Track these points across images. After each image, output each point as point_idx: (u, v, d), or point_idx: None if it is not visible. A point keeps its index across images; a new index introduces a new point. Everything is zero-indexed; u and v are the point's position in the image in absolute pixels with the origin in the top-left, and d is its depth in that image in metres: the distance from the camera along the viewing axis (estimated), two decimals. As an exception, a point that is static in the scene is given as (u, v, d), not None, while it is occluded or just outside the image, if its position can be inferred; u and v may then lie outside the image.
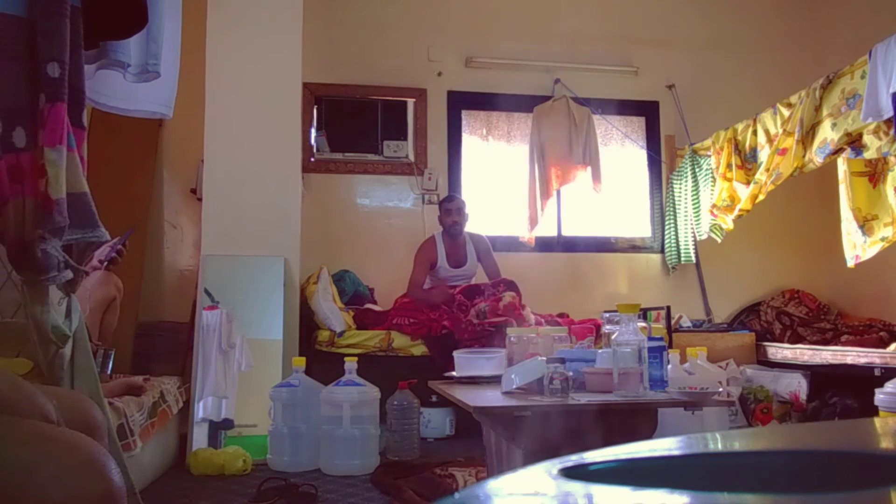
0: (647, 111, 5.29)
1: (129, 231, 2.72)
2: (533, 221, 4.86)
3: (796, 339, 4.68)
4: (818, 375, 4.07)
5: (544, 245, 4.97)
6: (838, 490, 0.56)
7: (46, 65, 1.41)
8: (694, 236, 4.91)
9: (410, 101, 4.97)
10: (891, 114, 3.12)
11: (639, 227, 5.28)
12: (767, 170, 3.97)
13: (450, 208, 4.26)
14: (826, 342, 4.46)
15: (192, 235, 4.38)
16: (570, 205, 5.15)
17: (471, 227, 4.41)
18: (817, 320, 4.88)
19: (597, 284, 5.00)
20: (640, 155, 5.29)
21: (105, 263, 2.73)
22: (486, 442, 2.53)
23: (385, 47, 4.92)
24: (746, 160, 4.28)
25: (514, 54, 5.05)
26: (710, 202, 4.60)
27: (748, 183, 4.20)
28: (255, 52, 3.88)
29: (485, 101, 5.02)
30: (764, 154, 4.06)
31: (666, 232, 5.11)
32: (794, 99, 3.81)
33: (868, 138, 3.40)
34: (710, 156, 4.69)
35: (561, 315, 4.36)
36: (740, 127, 4.33)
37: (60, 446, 0.95)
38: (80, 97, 1.52)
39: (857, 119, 3.34)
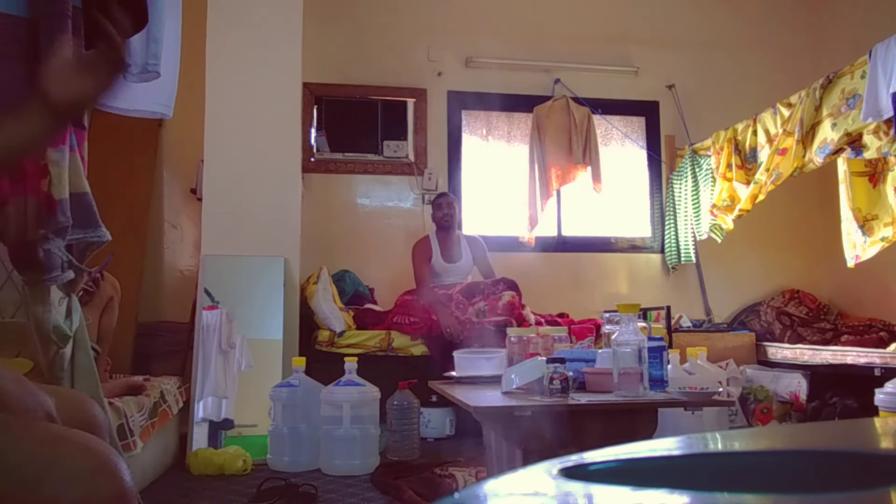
0: (647, 111, 5.29)
1: (108, 259, 2.66)
2: (533, 221, 4.86)
3: (796, 339, 4.68)
4: (818, 375, 4.07)
5: (544, 245, 4.97)
6: (838, 490, 0.56)
7: (47, 65, 1.41)
8: (694, 236, 4.91)
9: (410, 101, 4.97)
10: (891, 114, 3.12)
11: (639, 227, 5.28)
12: (767, 170, 3.97)
13: (440, 202, 4.31)
14: (826, 342, 4.45)
15: (192, 235, 4.38)
16: (570, 205, 5.15)
17: (471, 227, 4.41)
18: (817, 320, 4.87)
19: (597, 284, 5.00)
20: (640, 155, 5.29)
21: (79, 293, 2.62)
22: (486, 442, 2.54)
23: (385, 47, 4.92)
24: (746, 160, 4.28)
25: (514, 54, 5.05)
26: (710, 202, 4.60)
27: (748, 183, 4.20)
28: (255, 52, 3.88)
29: (485, 101, 5.02)
30: (764, 154, 4.06)
31: (666, 232, 5.11)
32: (794, 99, 3.81)
33: (868, 138, 3.40)
34: (710, 156, 4.69)
35: (561, 315, 4.36)
36: (740, 127, 4.33)
37: (74, 447, 0.95)
38: (81, 97, 1.52)
39: (857, 119, 3.34)
